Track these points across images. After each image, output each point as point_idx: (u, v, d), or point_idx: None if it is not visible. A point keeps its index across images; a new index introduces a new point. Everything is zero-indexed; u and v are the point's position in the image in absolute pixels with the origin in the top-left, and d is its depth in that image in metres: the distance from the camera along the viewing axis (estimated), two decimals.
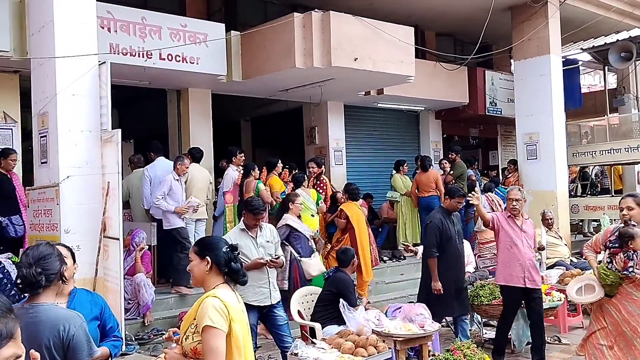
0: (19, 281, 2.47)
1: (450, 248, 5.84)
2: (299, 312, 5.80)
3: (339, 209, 8.09)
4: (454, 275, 5.87)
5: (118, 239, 5.52)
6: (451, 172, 10.18)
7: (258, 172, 7.94)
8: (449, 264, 5.83)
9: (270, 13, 10.13)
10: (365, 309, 5.37)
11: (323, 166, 9.22)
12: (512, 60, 11.71)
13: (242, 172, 7.92)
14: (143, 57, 7.64)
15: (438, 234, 5.80)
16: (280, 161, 8.40)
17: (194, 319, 2.62)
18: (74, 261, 3.08)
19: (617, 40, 10.84)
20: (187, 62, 8.11)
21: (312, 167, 8.91)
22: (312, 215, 7.82)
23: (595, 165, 12.31)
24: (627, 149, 10.87)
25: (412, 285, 8.32)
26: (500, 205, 9.01)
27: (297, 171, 8.70)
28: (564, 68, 11.27)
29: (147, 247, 6.92)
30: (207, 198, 7.92)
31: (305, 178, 8.36)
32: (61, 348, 2.36)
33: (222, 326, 2.53)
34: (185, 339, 2.63)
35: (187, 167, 7.40)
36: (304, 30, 8.18)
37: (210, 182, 8.16)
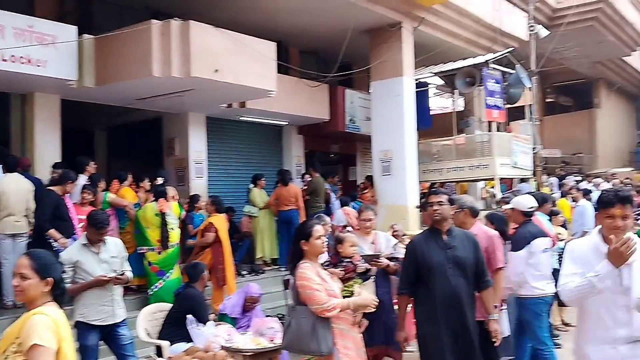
0: None
1: (438, 281, 4.11)
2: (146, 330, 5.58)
3: (207, 222, 7.94)
4: (451, 321, 4.09)
5: None
6: (305, 186, 10.44)
7: (105, 183, 7.60)
8: (438, 305, 4.09)
9: (128, 18, 9.74)
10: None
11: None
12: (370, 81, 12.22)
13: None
14: None
15: (411, 263, 4.26)
16: (131, 174, 8.09)
17: (17, 337, 2.45)
18: None
19: (463, 66, 11.71)
20: (33, 65, 7.54)
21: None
22: (172, 229, 7.62)
23: (444, 182, 13.13)
24: (470, 167, 11.76)
25: (270, 299, 8.34)
26: (355, 219, 9.31)
27: (160, 182, 8.43)
28: (417, 90, 11.98)
29: None
30: (27, 210, 6.89)
31: (167, 191, 8.11)
32: None
33: (51, 345, 2.40)
34: (5, 359, 2.45)
35: None
36: (162, 39, 7.96)
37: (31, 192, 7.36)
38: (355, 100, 12.81)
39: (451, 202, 4.30)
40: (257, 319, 5.47)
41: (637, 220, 5.24)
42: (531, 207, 5.61)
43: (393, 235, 8.85)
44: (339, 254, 4.80)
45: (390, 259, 5.17)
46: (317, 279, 3.75)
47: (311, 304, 3.67)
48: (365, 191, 11.60)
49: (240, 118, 11.35)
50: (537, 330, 5.37)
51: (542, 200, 7.85)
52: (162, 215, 7.48)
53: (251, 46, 8.71)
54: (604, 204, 3.14)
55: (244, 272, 9.50)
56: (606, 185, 14.37)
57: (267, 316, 6.12)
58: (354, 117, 12.74)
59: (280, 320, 5.89)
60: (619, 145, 26.31)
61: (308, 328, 3.68)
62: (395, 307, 5.12)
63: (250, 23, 10.02)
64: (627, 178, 17.66)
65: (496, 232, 5.09)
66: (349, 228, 6.70)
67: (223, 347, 4.84)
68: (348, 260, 4.77)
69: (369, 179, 11.77)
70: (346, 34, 10.45)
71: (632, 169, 22.26)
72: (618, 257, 2.90)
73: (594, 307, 3.08)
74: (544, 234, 5.59)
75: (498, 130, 12.56)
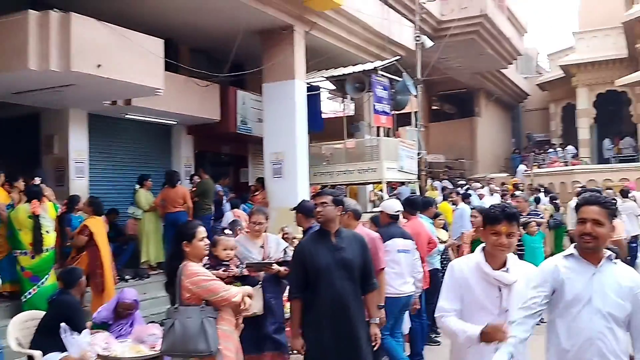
0: None
1: (324, 285, 3.99)
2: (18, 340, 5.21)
3: (82, 224, 7.52)
4: (336, 327, 3.95)
5: None
6: (194, 188, 10.25)
7: None
8: (324, 310, 3.97)
9: (3, 7, 9.08)
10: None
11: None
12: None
13: None
14: None
15: (299, 266, 4.12)
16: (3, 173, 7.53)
17: None
18: None
19: (353, 72, 12.00)
20: None
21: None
22: (47, 232, 7.17)
23: (334, 185, 13.35)
24: (360, 171, 12.07)
25: (155, 304, 8.09)
26: (245, 221, 9.24)
27: (37, 182, 7.90)
28: (309, 93, 12.12)
29: None
30: None
31: (42, 191, 7.61)
32: None
33: None
34: None
35: None
36: (40, 30, 7.49)
37: None
38: (248, 101, 12.73)
39: (337, 203, 4.21)
40: (137, 326, 5.26)
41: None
42: (397, 211, 5.99)
43: (283, 238, 8.93)
44: (216, 257, 4.69)
45: (282, 262, 5.10)
46: (208, 272, 3.72)
47: (212, 294, 3.64)
48: (256, 193, 11.55)
49: (126, 116, 10.91)
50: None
51: (426, 204, 8.22)
52: (35, 217, 7.03)
53: (137, 42, 8.41)
54: (490, 220, 3.08)
55: (128, 277, 9.13)
56: (484, 191, 15.29)
57: (151, 322, 5.90)
58: (246, 118, 12.66)
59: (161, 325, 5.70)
60: (496, 151, 28.10)
61: (196, 328, 3.60)
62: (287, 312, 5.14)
63: (138, 19, 9.66)
64: (503, 183, 18.85)
65: (377, 234, 5.26)
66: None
67: (100, 356, 4.61)
68: (225, 263, 4.67)
69: (260, 181, 11.74)
70: (237, 34, 10.37)
71: (507, 174, 23.84)
72: (490, 338, 2.85)
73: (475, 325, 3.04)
74: (404, 235, 5.88)
75: (387, 136, 12.98)
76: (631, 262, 10.23)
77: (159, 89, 8.92)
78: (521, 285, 3.04)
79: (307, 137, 11.76)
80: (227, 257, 4.70)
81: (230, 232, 5.66)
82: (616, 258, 2.91)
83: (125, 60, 8.23)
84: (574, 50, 24.74)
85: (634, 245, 10.77)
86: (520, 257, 7.67)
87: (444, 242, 8.27)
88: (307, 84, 12.18)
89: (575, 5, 26.90)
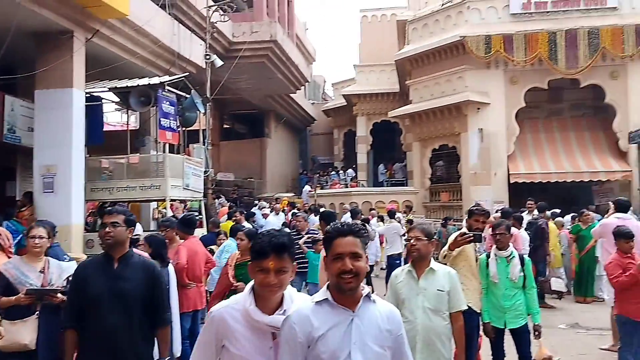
0: None
1: (94, 316, 3.55)
2: None
3: None
4: None
5: None
6: None
7: None
8: (91, 344, 3.57)
9: None
10: None
11: None
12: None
13: None
14: None
15: (75, 292, 3.69)
16: None
17: None
18: None
19: (138, 85, 11.58)
20: None
21: None
22: None
23: (114, 201, 12.68)
24: (142, 187, 11.60)
25: None
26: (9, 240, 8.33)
27: None
28: (89, 104, 11.41)
29: None
30: None
31: None
32: None
33: None
34: None
35: None
36: None
37: None
38: (17, 108, 11.54)
39: (128, 223, 3.77)
40: None
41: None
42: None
43: None
44: None
45: (65, 292, 4.27)
46: None
47: None
48: (23, 209, 10.48)
49: None
50: None
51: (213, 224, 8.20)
52: None
53: None
54: (256, 254, 2.48)
55: None
56: (268, 210, 15.69)
57: None
58: (15, 126, 11.45)
59: None
60: (284, 172, 29.25)
61: None
62: None
63: None
64: (289, 203, 19.56)
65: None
66: None
67: None
68: None
69: (28, 195, 10.70)
70: (8, 34, 9.39)
71: (293, 194, 24.90)
72: None
73: None
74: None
75: (177, 152, 12.72)
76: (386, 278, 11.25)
77: None
78: None
79: (84, 150, 11.04)
80: None
81: None
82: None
83: None
84: (355, 81, 26.87)
85: (397, 262, 11.88)
86: (303, 274, 8.05)
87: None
88: (88, 93, 11.45)
89: (357, 40, 29.28)
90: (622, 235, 5.87)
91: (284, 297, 2.52)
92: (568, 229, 12.13)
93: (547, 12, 18.23)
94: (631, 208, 11.63)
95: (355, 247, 2.38)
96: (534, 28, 17.88)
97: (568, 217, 13.00)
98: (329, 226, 2.53)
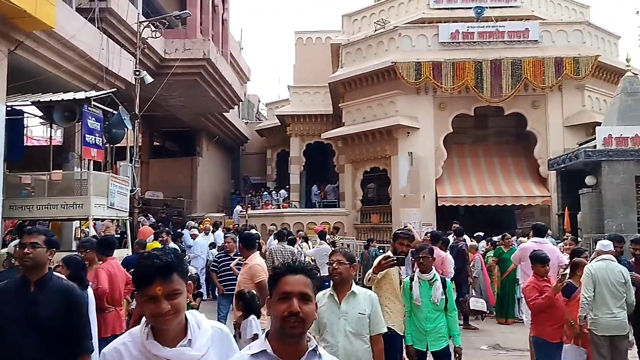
0: None
1: (7, 345, 3.26)
2: None
3: None
4: None
5: None
6: None
7: None
8: None
9: None
10: None
11: None
12: None
13: None
14: None
15: None
16: None
17: None
18: None
19: (62, 99, 11.17)
20: None
21: None
22: None
23: (34, 220, 12.11)
24: (64, 206, 11.13)
25: None
26: None
27: None
28: (10, 117, 10.91)
29: None
30: None
31: None
32: None
33: None
34: None
35: None
36: None
37: None
38: None
39: (49, 244, 3.57)
40: None
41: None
42: None
43: None
44: None
45: None
46: None
47: None
48: None
49: None
50: None
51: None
52: None
53: None
54: (139, 282, 2.14)
55: None
56: (197, 231, 15.38)
57: None
58: None
59: None
60: (215, 191, 28.88)
61: None
62: None
63: None
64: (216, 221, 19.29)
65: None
66: None
67: None
68: None
69: None
70: None
71: (225, 214, 24.59)
72: None
73: None
74: None
75: (104, 169, 12.31)
76: None
77: None
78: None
79: (3, 165, 10.52)
80: None
81: None
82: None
83: None
84: (289, 102, 26.97)
85: (327, 284, 11.88)
86: (232, 297, 7.93)
87: None
88: (9, 107, 10.96)
89: (292, 61, 29.54)
90: (538, 260, 6.11)
91: (188, 324, 2.19)
92: (482, 252, 12.54)
93: (474, 42, 18.99)
94: (549, 232, 12.23)
95: (306, 287, 2.08)
96: (461, 57, 18.56)
97: (483, 243, 13.42)
98: (278, 262, 2.39)
